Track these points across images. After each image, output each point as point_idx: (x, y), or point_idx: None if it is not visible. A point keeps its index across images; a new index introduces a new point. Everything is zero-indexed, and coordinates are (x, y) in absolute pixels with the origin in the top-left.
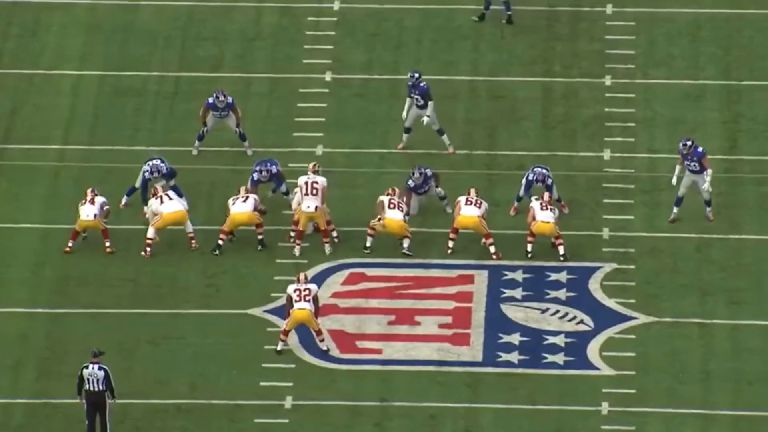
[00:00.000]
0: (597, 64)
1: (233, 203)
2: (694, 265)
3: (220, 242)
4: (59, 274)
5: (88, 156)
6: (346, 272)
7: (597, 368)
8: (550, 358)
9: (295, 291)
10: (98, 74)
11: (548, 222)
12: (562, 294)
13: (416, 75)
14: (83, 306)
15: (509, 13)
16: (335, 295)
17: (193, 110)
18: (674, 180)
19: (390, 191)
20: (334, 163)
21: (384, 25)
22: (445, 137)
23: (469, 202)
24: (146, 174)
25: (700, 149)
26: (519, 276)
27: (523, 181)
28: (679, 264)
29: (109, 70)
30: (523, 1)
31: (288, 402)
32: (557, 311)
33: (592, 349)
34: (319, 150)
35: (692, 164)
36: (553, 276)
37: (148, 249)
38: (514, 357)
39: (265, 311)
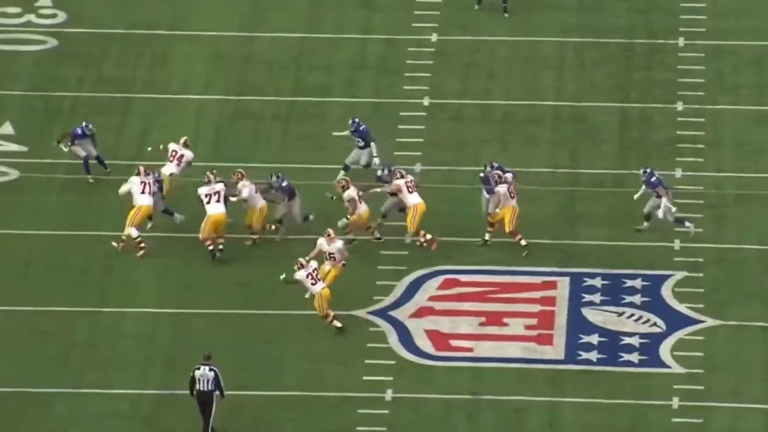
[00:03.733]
0: (670, 91)
1: (207, 201)
2: (757, 274)
3: (211, 248)
4: (182, 279)
5: None
6: (441, 278)
7: (668, 366)
8: (626, 357)
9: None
10: (220, 99)
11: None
12: (637, 299)
13: (356, 120)
14: (203, 308)
15: (505, 5)
16: (431, 298)
17: (305, 133)
18: (636, 196)
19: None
20: (430, 179)
21: (477, 55)
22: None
23: (411, 191)
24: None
25: (653, 179)
26: (598, 282)
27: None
28: (744, 272)
29: (230, 95)
30: (603, 34)
31: (388, 395)
32: (632, 314)
33: (664, 349)
34: (417, 167)
35: (649, 190)
36: (629, 283)
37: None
38: (593, 356)
39: (368, 313)
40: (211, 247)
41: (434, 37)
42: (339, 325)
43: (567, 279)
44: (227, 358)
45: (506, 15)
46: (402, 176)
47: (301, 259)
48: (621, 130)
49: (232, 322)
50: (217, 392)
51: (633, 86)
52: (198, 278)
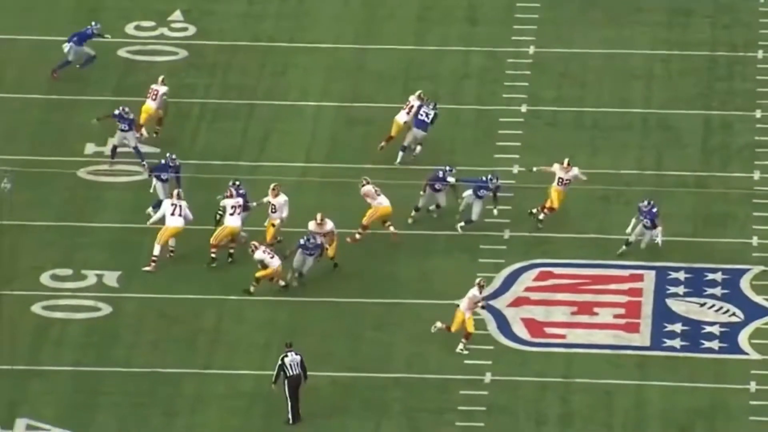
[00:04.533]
0: (749, 100)
1: (231, 213)
2: None
3: (213, 255)
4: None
5: (326, 173)
6: (537, 271)
7: (746, 353)
8: (707, 344)
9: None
10: (335, 106)
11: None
12: (717, 291)
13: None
14: (320, 296)
15: None
16: (528, 289)
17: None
18: (629, 230)
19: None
20: (527, 180)
21: (571, 65)
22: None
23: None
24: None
25: (655, 210)
26: (681, 276)
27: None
28: None
29: (344, 102)
30: (688, 47)
31: (487, 377)
32: (713, 305)
33: (743, 337)
34: (515, 169)
35: (646, 221)
36: (710, 276)
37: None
38: (677, 343)
39: None
40: (213, 255)
41: (531, 50)
42: (283, 283)
43: (653, 272)
44: (341, 343)
45: None
46: (368, 183)
47: (254, 242)
48: (704, 137)
49: (346, 309)
50: (303, 375)
51: (715, 95)
52: (314, 269)
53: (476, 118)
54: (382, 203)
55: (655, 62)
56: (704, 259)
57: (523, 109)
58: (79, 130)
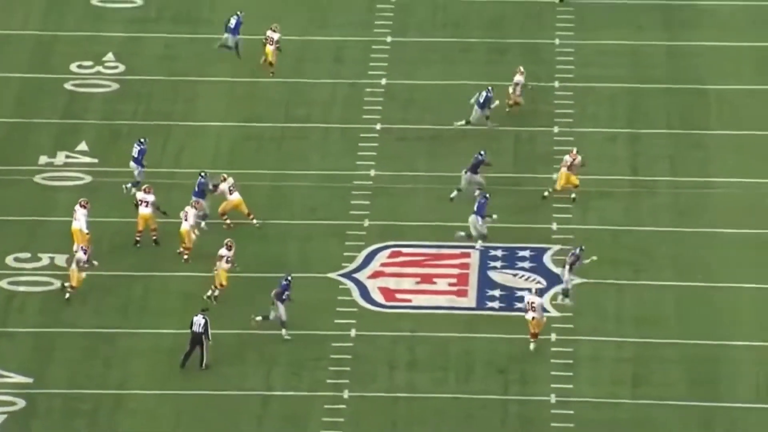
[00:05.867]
0: (548, 119)
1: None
2: (608, 246)
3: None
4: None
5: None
6: (390, 250)
7: (548, 311)
8: (519, 305)
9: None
10: (234, 125)
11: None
12: (526, 264)
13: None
14: (229, 272)
15: None
16: (383, 265)
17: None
18: (565, 281)
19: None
20: (384, 182)
21: (414, 93)
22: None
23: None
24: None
25: (577, 251)
26: (499, 253)
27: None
28: (597, 245)
29: (241, 122)
30: (503, 78)
31: (353, 333)
32: (523, 275)
33: (546, 299)
34: (372, 172)
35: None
36: (521, 253)
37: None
38: (496, 304)
39: (338, 275)
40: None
41: (384, 81)
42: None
43: (478, 251)
44: (241, 307)
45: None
46: (225, 180)
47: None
48: None
49: (248, 281)
50: (205, 336)
51: (523, 115)
52: None
53: (341, 134)
54: (233, 198)
55: (479, 90)
56: (516, 241)
57: (378, 127)
58: (34, 145)
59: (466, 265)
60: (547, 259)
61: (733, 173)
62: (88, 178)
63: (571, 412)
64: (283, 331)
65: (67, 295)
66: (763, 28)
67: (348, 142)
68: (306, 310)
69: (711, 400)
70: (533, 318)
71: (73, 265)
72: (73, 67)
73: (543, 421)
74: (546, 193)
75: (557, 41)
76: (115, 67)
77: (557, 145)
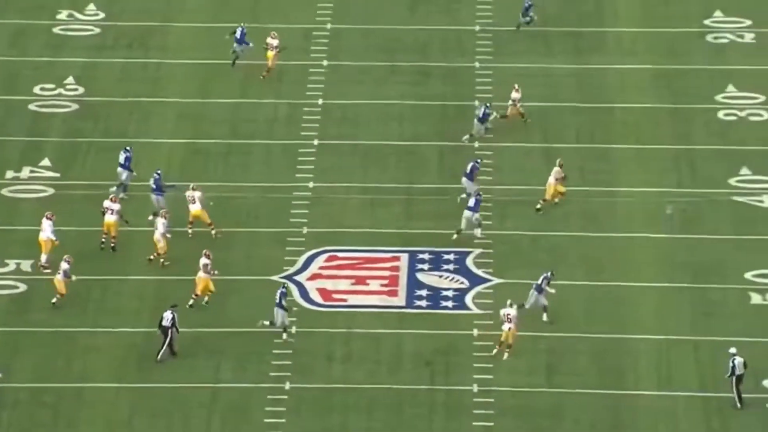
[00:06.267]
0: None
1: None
2: (527, 250)
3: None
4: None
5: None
6: (327, 255)
7: (471, 309)
8: (444, 303)
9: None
10: (183, 142)
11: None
12: (451, 267)
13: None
14: (180, 275)
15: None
16: (321, 268)
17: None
18: (528, 305)
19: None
20: (322, 192)
21: (347, 112)
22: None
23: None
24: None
25: (548, 275)
26: (426, 256)
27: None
28: (517, 249)
29: (190, 139)
30: (428, 98)
31: (293, 329)
32: (448, 276)
33: (468, 298)
34: (311, 184)
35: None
36: (446, 257)
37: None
38: (424, 303)
39: (280, 277)
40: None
41: (320, 101)
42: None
43: (407, 255)
44: (194, 308)
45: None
46: (194, 189)
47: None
48: None
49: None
50: (173, 329)
51: (447, 132)
52: None
53: (283, 150)
54: (192, 208)
55: (405, 109)
56: (442, 245)
57: (315, 142)
58: (1, 161)
59: (396, 268)
60: (469, 261)
61: (635, 183)
62: (50, 191)
63: (492, 400)
64: (284, 335)
65: (54, 300)
66: (659, 52)
67: (288, 157)
68: (251, 309)
69: (617, 389)
70: (509, 329)
71: (59, 275)
72: (37, 89)
73: (466, 408)
74: (539, 206)
75: (477, 64)
76: (76, 90)
77: (479, 158)
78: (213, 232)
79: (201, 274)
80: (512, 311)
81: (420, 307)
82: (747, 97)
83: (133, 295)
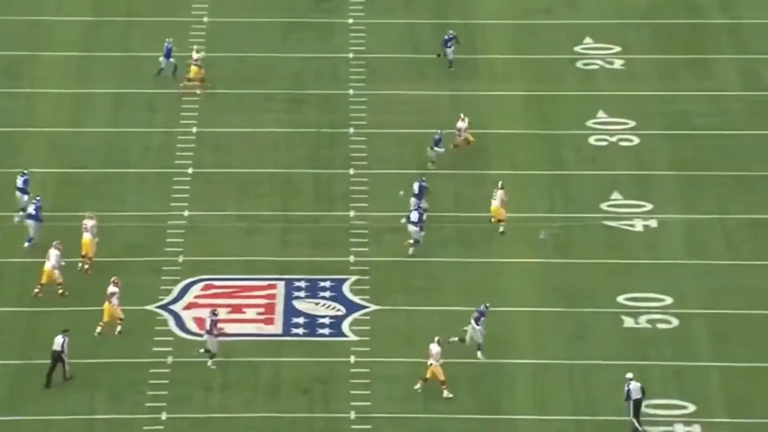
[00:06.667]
0: (345, 161)
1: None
2: (402, 276)
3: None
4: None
5: (53, 218)
6: (203, 283)
7: (347, 336)
8: (321, 330)
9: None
10: (55, 172)
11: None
12: (327, 294)
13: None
14: (61, 306)
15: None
16: (197, 297)
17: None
18: (469, 334)
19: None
20: (198, 221)
21: (221, 140)
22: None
23: None
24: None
25: (482, 308)
26: (302, 284)
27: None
28: (390, 275)
29: (62, 168)
30: (303, 126)
31: (169, 359)
32: (325, 304)
33: (345, 325)
34: (186, 212)
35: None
36: (322, 284)
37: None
38: (300, 330)
39: (155, 307)
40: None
41: (195, 129)
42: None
43: (283, 283)
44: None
45: (452, 69)
46: (91, 218)
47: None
48: None
49: (80, 315)
50: (64, 354)
51: (321, 159)
52: None
53: (158, 178)
54: (86, 237)
55: (280, 137)
56: (318, 272)
57: (190, 170)
58: None
59: (272, 296)
60: (346, 288)
61: (510, 209)
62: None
63: (369, 426)
64: (209, 362)
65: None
66: (531, 78)
67: (162, 185)
68: (126, 339)
69: (494, 413)
70: (430, 364)
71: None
72: None
73: None
74: (501, 229)
75: (351, 91)
76: None
77: (353, 185)
78: (80, 265)
79: (113, 300)
80: (435, 347)
81: (297, 334)
82: (617, 122)
83: (4, 327)
